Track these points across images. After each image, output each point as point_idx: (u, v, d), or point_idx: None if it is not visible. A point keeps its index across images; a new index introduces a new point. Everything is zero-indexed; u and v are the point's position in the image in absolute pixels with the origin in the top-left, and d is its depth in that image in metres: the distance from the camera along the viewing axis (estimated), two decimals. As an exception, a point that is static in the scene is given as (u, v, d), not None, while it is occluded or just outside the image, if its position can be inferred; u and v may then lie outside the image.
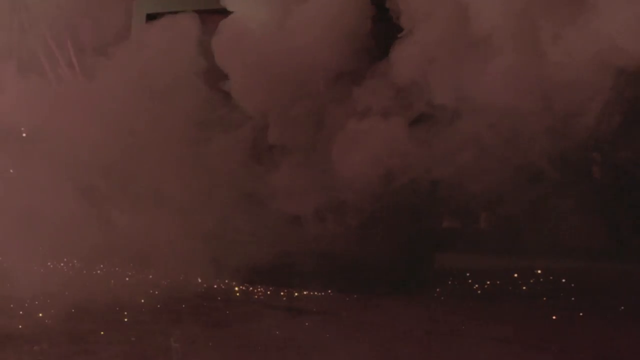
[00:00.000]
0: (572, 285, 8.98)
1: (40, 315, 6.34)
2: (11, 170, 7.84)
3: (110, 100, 7.72)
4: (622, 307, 7.56)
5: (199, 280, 8.26)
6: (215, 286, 8.10)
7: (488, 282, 8.94)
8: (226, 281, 8.16)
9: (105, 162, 7.87)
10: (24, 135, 8.11)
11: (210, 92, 7.85)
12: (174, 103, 7.83)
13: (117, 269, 8.24)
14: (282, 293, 7.89)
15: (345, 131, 7.19)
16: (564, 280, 9.33)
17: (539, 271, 10.01)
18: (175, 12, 8.20)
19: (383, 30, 7.22)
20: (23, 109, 7.89)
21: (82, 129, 7.75)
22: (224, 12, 7.98)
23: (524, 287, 8.75)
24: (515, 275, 9.65)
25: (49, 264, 8.94)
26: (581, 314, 7.23)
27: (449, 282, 8.77)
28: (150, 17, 8.76)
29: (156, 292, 7.36)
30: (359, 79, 7.21)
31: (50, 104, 7.88)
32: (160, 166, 7.96)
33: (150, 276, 8.00)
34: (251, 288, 8.06)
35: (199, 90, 7.84)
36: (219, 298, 7.53)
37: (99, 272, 8.41)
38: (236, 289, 8.04)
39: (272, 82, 7.33)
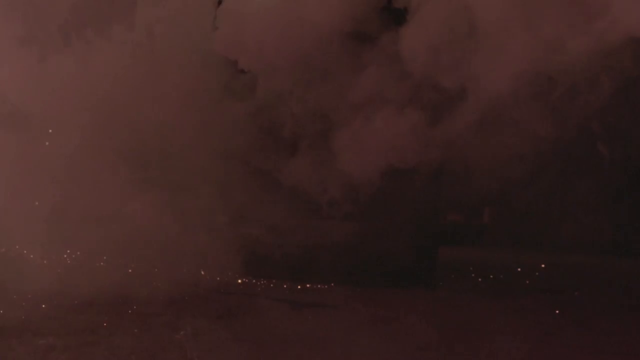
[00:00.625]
0: (576, 280, 9.00)
1: (44, 306, 6.34)
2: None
3: (120, 84, 7.58)
4: (625, 302, 7.58)
5: (202, 273, 8.27)
6: (218, 278, 8.10)
7: (492, 276, 8.96)
8: (229, 274, 8.16)
9: (110, 151, 7.81)
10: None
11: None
12: (188, 86, 7.69)
13: (120, 261, 8.23)
14: (284, 286, 7.90)
15: (348, 123, 7.15)
16: (567, 275, 9.35)
17: (543, 265, 10.03)
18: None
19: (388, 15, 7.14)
20: (26, 91, 7.78)
21: (86, 116, 7.66)
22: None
23: (528, 281, 8.77)
24: (519, 269, 9.67)
25: (51, 255, 8.94)
26: (584, 308, 7.24)
27: (453, 276, 8.78)
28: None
29: (159, 285, 7.36)
30: (363, 66, 7.13)
31: (53, 88, 7.75)
32: (167, 157, 7.92)
33: (156, 269, 7.99)
34: (254, 280, 8.06)
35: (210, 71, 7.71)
36: (222, 290, 7.54)
37: (102, 264, 8.41)
38: (239, 281, 8.04)
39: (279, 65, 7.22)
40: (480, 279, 8.76)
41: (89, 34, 7.33)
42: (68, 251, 8.98)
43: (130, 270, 8.08)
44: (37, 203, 7.82)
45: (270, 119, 7.60)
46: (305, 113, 7.29)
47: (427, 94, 6.72)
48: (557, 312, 7.01)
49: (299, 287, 7.89)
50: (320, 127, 7.38)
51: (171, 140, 7.86)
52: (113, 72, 7.58)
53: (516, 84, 5.98)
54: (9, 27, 7.31)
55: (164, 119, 7.67)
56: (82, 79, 7.64)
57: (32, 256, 8.82)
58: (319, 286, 7.98)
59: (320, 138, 7.46)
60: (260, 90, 7.40)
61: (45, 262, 8.59)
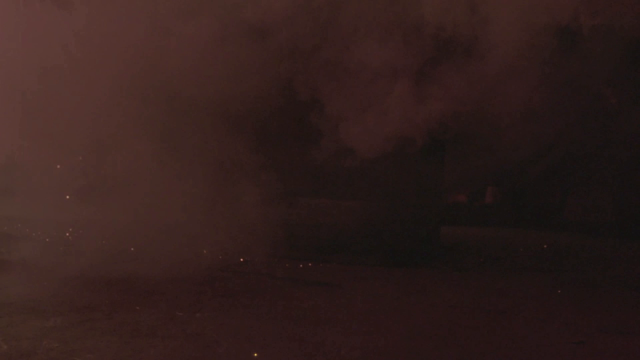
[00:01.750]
0: (577, 259, 9.01)
1: (45, 283, 6.35)
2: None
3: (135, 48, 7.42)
4: (625, 282, 7.59)
5: (205, 252, 8.28)
6: (220, 257, 8.12)
7: (493, 256, 8.97)
8: (232, 253, 8.18)
9: (115, 124, 7.76)
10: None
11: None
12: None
13: (122, 239, 8.25)
14: (286, 265, 7.90)
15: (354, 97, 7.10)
16: (568, 255, 9.36)
17: (545, 246, 10.04)
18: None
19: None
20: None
21: (92, 87, 7.57)
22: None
23: (529, 261, 8.78)
24: (521, 249, 9.68)
25: (54, 232, 8.97)
26: (586, 288, 7.24)
27: (453, 255, 8.79)
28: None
29: (162, 264, 7.36)
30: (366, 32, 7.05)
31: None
32: (182, 130, 7.86)
33: (156, 248, 7.99)
34: (256, 259, 8.07)
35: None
36: (224, 269, 7.54)
37: (103, 242, 8.43)
38: (241, 260, 8.05)
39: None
40: (481, 259, 8.78)
41: None
42: (70, 229, 9.01)
43: (132, 249, 8.08)
44: (38, 180, 7.83)
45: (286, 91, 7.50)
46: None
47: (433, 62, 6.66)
48: (559, 291, 7.02)
49: (300, 265, 7.90)
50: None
51: (187, 113, 7.79)
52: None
53: (521, 50, 5.90)
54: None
55: (177, 92, 7.57)
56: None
57: (34, 234, 8.84)
58: (318, 265, 7.99)
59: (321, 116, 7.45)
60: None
61: (47, 240, 8.61)
